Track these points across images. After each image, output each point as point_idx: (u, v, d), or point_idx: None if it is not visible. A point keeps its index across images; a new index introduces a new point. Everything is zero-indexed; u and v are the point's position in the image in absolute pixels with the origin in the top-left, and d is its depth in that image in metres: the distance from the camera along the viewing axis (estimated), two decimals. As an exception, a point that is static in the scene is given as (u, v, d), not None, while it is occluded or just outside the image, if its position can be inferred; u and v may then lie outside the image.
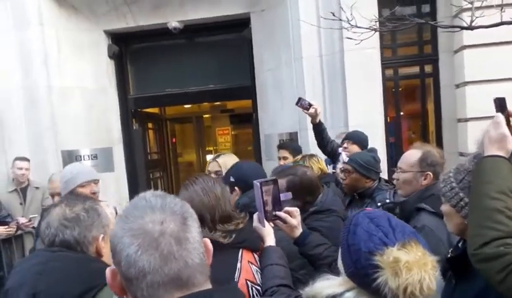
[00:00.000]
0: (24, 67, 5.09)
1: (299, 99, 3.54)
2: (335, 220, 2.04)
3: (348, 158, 2.95)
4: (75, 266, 1.37)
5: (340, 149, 3.56)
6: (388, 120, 5.20)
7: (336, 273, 1.37)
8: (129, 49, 5.99)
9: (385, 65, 5.05)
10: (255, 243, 1.68)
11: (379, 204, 2.37)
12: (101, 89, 5.66)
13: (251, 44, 5.57)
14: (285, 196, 1.86)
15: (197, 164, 10.56)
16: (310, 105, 3.47)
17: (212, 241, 1.51)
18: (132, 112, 6.03)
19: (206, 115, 10.83)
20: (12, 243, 4.54)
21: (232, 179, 2.23)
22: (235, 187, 2.21)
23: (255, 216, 1.75)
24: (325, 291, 1.18)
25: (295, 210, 1.78)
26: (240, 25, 5.63)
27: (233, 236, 1.58)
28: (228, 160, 2.83)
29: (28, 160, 4.80)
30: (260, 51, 5.52)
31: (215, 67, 6.00)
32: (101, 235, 1.50)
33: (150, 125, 6.81)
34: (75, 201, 1.56)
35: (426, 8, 5.05)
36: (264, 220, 1.70)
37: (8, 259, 4.55)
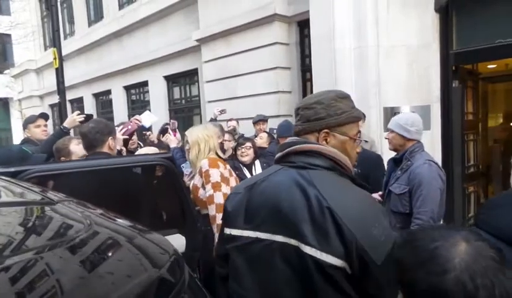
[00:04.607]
0: (357, 28, 5.53)
1: None
2: None
3: None
4: None
5: None
6: None
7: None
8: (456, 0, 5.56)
9: None
10: None
11: None
12: (424, 45, 5.54)
13: None
14: None
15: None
16: None
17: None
18: (452, 69, 5.66)
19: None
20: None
21: None
22: None
23: None
24: None
25: None
26: None
27: None
28: None
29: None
30: None
31: None
32: None
33: (469, 83, 6.25)
34: None
35: None
36: None
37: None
